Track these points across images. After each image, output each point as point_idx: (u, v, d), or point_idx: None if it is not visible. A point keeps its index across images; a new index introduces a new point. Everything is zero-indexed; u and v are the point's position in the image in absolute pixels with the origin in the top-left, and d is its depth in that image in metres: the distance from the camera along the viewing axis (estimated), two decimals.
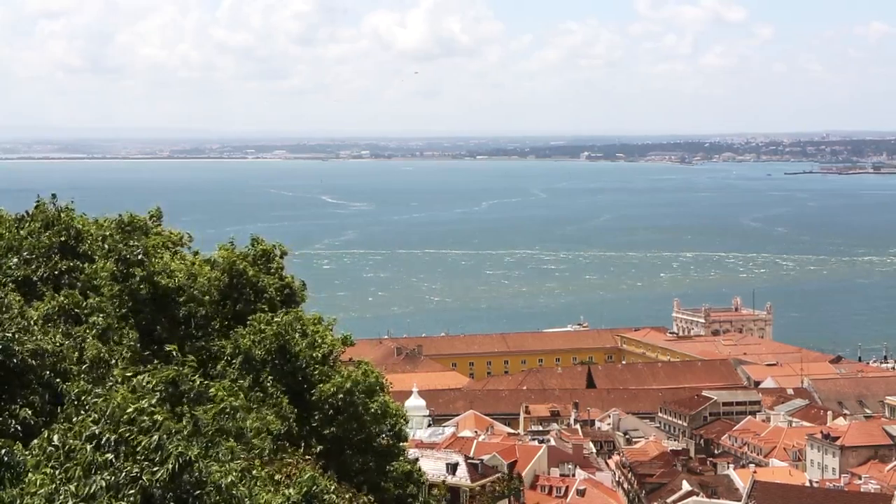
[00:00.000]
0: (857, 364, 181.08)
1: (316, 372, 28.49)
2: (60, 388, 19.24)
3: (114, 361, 21.37)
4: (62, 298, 24.53)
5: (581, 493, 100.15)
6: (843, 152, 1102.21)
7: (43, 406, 18.87)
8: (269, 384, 26.44)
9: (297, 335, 28.29)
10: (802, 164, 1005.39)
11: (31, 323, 21.12)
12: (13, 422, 17.28)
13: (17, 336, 19.38)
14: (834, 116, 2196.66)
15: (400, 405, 32.95)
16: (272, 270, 30.99)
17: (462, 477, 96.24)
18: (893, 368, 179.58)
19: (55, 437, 15.11)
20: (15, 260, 26.44)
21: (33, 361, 19.37)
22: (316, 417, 27.91)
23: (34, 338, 19.94)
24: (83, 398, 18.28)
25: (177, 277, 26.68)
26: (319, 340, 29.02)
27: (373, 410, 28.98)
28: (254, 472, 18.03)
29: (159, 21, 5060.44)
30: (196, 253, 31.40)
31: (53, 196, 29.35)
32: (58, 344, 20.61)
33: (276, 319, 28.07)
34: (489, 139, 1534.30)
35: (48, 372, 19.68)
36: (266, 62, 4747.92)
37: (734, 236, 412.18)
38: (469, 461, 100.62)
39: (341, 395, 28.06)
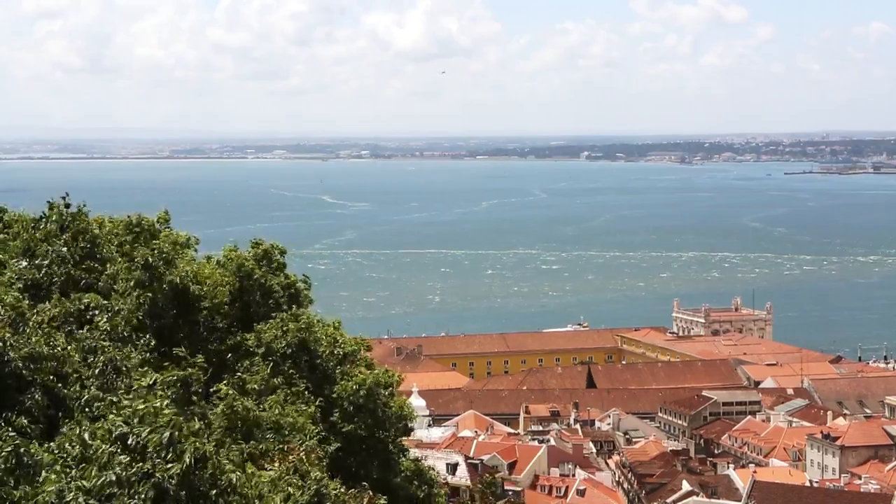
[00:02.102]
0: (857, 364, 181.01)
1: (337, 371, 28.71)
2: (61, 393, 19.19)
3: (127, 366, 21.34)
4: (68, 303, 24.42)
5: (581, 493, 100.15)
6: (843, 152, 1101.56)
7: (41, 412, 18.80)
8: (299, 383, 26.59)
9: (318, 333, 28.59)
10: (802, 164, 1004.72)
11: (29, 326, 21.04)
12: (9, 430, 17.25)
13: (11, 341, 19.28)
14: (833, 116, 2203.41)
15: (409, 402, 33.16)
16: (275, 270, 31.15)
17: (462, 477, 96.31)
18: (894, 368, 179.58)
19: (86, 434, 15.07)
20: (24, 263, 26.30)
21: (29, 366, 19.28)
22: (335, 414, 28.02)
23: (30, 342, 19.87)
24: (94, 404, 18.25)
25: (203, 286, 26.95)
26: (340, 339, 29.38)
27: (393, 410, 29.11)
28: (264, 469, 18.02)
29: (157, 21, 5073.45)
30: (209, 258, 31.43)
31: (65, 197, 29.09)
32: (58, 348, 20.54)
33: (298, 315, 28.34)
34: (489, 139, 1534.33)
35: (49, 377, 19.61)
36: (264, 62, 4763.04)
37: (734, 236, 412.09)
38: (469, 461, 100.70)
39: (363, 393, 28.18)
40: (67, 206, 28.82)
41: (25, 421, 17.72)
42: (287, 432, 22.05)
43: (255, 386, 24.70)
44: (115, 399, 18.00)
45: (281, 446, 21.03)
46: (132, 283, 25.78)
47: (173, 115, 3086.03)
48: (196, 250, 31.49)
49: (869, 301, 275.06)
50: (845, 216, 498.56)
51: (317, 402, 26.19)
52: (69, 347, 20.99)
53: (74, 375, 20.32)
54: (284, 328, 27.69)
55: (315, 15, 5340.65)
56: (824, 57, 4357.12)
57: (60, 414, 18.70)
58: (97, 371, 20.65)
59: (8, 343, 19.14)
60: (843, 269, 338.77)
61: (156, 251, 26.45)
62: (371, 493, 24.22)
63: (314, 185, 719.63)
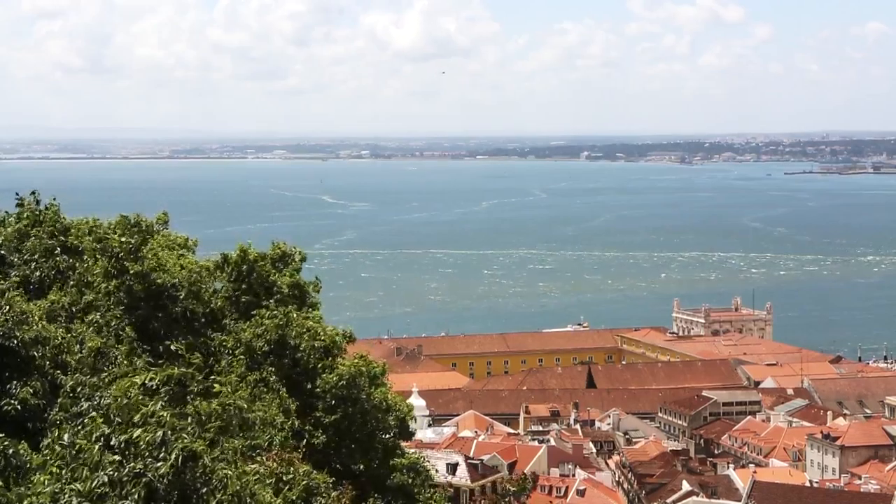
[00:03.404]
0: (857, 364, 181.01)
1: (319, 364, 28.58)
2: (59, 380, 19.30)
3: (113, 354, 21.37)
4: (64, 297, 24.55)
5: (581, 493, 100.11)
6: (843, 152, 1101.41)
7: (44, 394, 18.89)
8: (271, 377, 26.48)
9: (297, 327, 28.39)
10: (802, 164, 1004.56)
11: (32, 316, 21.18)
12: (14, 402, 17.24)
13: (16, 324, 19.44)
14: (833, 116, 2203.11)
15: (403, 398, 32.91)
16: (286, 272, 31.08)
17: (462, 477, 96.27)
18: (894, 368, 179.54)
19: (65, 436, 15.07)
20: (13, 259, 26.43)
21: (34, 349, 19.42)
22: (319, 408, 27.90)
23: (35, 327, 20.03)
24: (78, 390, 18.31)
25: (172, 274, 26.67)
26: (321, 332, 29.18)
27: (375, 399, 29.00)
28: (256, 468, 18.00)
29: (157, 21, 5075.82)
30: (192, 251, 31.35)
31: (33, 193, 29.21)
32: (59, 336, 20.68)
33: (275, 312, 28.19)
34: (489, 139, 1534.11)
35: (48, 362, 19.72)
36: (262, 62, 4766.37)
37: (734, 236, 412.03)
38: (469, 461, 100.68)
39: (343, 383, 28.07)
40: (38, 202, 28.90)
41: (30, 392, 17.77)
42: (257, 427, 21.93)
43: (230, 387, 24.58)
44: (95, 381, 18.04)
45: (250, 442, 20.88)
46: (101, 275, 25.68)
47: (173, 115, 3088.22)
48: (194, 252, 31.41)
49: (869, 301, 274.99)
50: (845, 216, 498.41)
51: (290, 396, 26.04)
52: (67, 337, 21.12)
53: (73, 363, 20.43)
54: (262, 326, 27.58)
55: (313, 15, 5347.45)
56: (823, 57, 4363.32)
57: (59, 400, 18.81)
58: (82, 358, 20.71)
59: (13, 325, 19.29)
60: (843, 269, 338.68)
61: (123, 242, 26.29)
62: (351, 486, 24.14)
63: (314, 185, 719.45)
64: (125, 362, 21.34)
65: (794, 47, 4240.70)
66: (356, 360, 29.35)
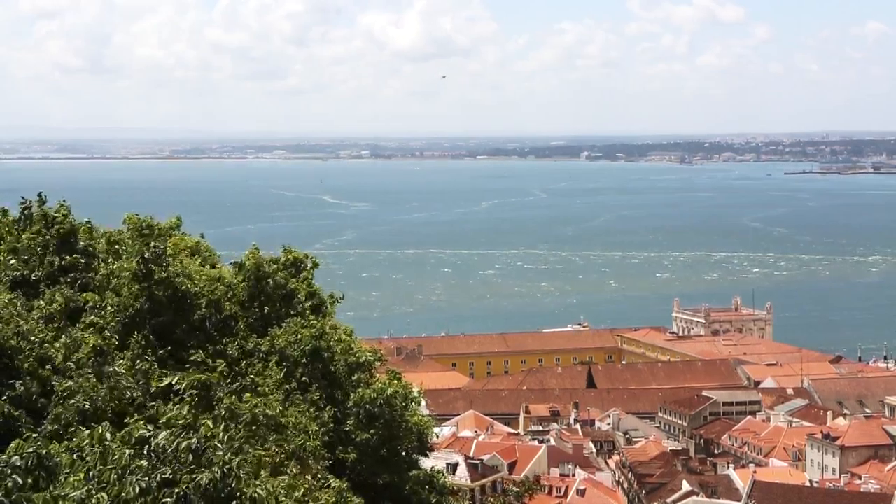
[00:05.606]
0: (857, 364, 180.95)
1: (353, 377, 28.55)
2: (48, 381, 19.20)
3: (110, 357, 21.29)
4: (60, 297, 24.47)
5: (581, 493, 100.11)
6: (842, 152, 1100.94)
7: (30, 399, 18.77)
8: (311, 388, 26.43)
9: (332, 340, 28.40)
10: (802, 164, 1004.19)
11: (16, 313, 21.13)
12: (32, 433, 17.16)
13: None
14: (833, 116, 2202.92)
15: (429, 419, 32.74)
16: (301, 279, 31.04)
17: (462, 477, 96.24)
18: (894, 368, 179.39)
19: (107, 435, 14.96)
20: (13, 261, 26.41)
21: (14, 343, 19.34)
22: (350, 423, 27.87)
23: (16, 322, 19.96)
24: (65, 396, 18.24)
25: (196, 281, 26.76)
26: (355, 348, 29.20)
27: (411, 422, 28.93)
28: (285, 482, 17.90)
29: (157, 21, 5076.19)
30: (214, 264, 31.33)
31: (40, 195, 29.22)
32: (40, 332, 20.59)
33: (312, 322, 28.17)
34: (489, 139, 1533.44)
35: (33, 361, 19.64)
36: (262, 62, 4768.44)
37: (734, 236, 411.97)
38: (469, 461, 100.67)
39: (380, 401, 27.98)
40: (43, 202, 28.93)
41: (14, 409, 17.70)
42: (290, 432, 21.93)
43: (268, 390, 24.53)
44: (86, 385, 17.99)
45: (282, 446, 20.84)
46: (126, 280, 25.70)
47: (173, 115, 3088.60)
48: (205, 256, 31.45)
49: (869, 301, 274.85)
50: (845, 216, 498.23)
51: (328, 408, 26.04)
52: (52, 334, 21.05)
53: (61, 362, 20.33)
54: (298, 335, 27.57)
55: (311, 15, 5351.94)
56: (822, 57, 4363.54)
57: (51, 401, 18.71)
58: (77, 363, 20.66)
59: None
60: (843, 269, 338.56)
61: (152, 247, 26.39)
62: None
63: (314, 185, 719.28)
64: (126, 364, 21.27)
65: (794, 47, 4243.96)
66: (394, 381, 29.28)
